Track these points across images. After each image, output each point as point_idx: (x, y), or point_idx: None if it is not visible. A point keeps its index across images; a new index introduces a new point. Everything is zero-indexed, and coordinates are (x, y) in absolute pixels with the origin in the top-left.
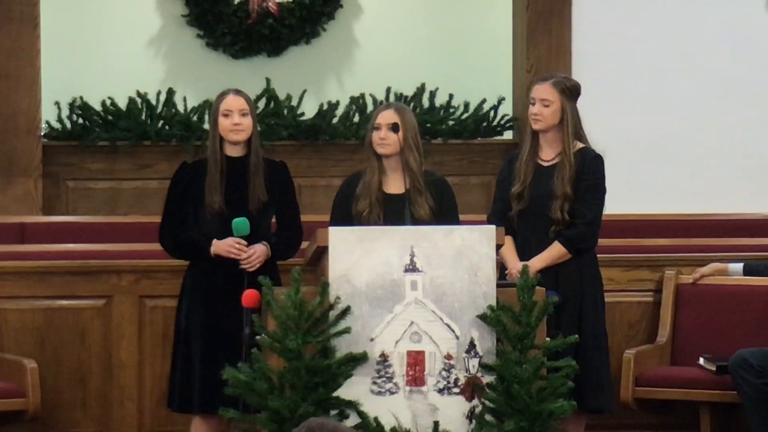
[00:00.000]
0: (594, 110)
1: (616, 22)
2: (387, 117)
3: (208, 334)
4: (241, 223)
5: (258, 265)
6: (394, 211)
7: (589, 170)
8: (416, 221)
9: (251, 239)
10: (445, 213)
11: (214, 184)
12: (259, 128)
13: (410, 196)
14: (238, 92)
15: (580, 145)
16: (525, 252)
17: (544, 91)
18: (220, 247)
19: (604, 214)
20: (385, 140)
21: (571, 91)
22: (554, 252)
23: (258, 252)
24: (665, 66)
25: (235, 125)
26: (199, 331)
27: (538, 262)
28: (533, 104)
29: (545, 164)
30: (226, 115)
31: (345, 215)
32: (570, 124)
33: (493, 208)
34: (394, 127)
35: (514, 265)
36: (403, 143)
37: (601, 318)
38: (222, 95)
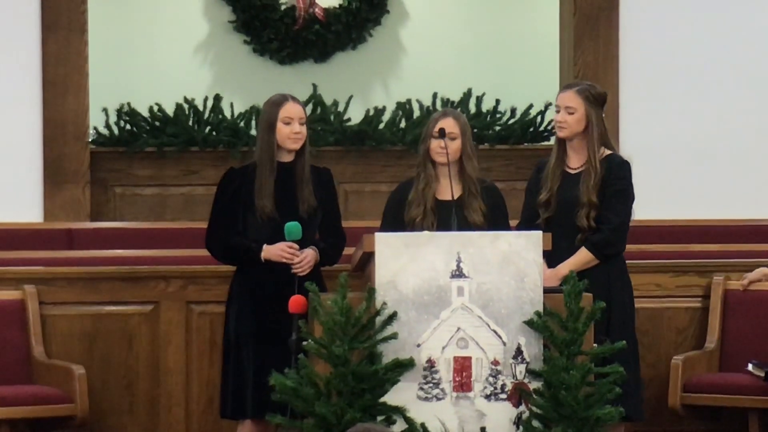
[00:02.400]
0: (641, 115)
1: (664, 28)
2: (447, 125)
3: (259, 340)
4: (293, 227)
5: (309, 270)
6: (446, 218)
7: (615, 176)
8: (470, 226)
9: (301, 244)
10: (496, 219)
11: (266, 188)
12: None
13: (465, 201)
14: (295, 99)
15: (607, 151)
16: (553, 259)
17: (568, 98)
18: (271, 251)
19: (652, 219)
20: (445, 148)
21: (596, 98)
22: (581, 258)
23: (309, 256)
24: (713, 71)
25: (296, 134)
26: (251, 337)
27: (565, 268)
28: (558, 111)
29: (572, 171)
30: (287, 123)
31: (396, 222)
32: (595, 132)
33: (522, 216)
34: (453, 136)
35: (542, 272)
36: (462, 151)
37: (629, 324)
38: (280, 102)
